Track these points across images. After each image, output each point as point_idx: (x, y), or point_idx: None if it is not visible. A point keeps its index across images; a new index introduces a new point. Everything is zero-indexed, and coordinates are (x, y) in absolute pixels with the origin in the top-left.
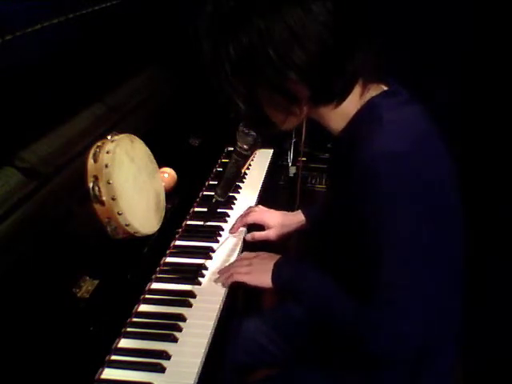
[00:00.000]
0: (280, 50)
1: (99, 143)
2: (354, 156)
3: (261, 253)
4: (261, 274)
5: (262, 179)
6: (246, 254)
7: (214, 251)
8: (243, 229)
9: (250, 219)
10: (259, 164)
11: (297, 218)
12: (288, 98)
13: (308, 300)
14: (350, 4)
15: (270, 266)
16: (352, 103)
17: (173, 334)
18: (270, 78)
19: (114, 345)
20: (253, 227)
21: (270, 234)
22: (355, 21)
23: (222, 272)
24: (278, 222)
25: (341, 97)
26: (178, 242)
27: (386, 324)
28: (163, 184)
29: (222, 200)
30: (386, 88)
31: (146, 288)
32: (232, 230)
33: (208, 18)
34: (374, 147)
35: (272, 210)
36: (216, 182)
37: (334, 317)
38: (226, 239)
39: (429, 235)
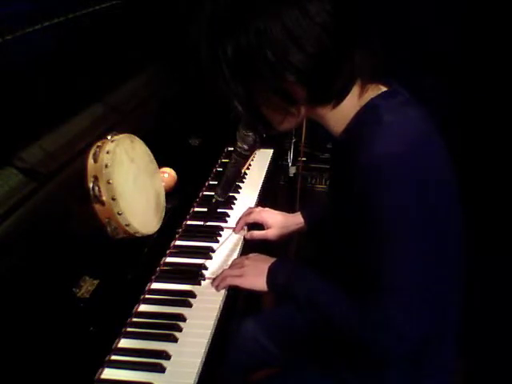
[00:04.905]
0: (277, 51)
1: (99, 143)
2: (355, 157)
3: (252, 254)
4: (254, 277)
5: (262, 179)
6: (237, 258)
7: (214, 251)
8: (244, 228)
9: (251, 218)
10: (259, 164)
11: (296, 219)
12: (286, 99)
13: (306, 305)
14: (348, 5)
15: (264, 268)
16: (351, 104)
17: (173, 334)
18: (267, 79)
19: (114, 345)
20: (253, 227)
21: (268, 233)
22: (353, 21)
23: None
24: (277, 222)
25: (339, 98)
26: (178, 242)
27: (388, 325)
28: (163, 184)
29: (222, 200)
30: (385, 88)
31: (146, 288)
32: (235, 231)
33: (206, 19)
34: (374, 148)
35: (272, 210)
36: (216, 182)
37: (334, 320)
38: (226, 239)
39: (429, 235)
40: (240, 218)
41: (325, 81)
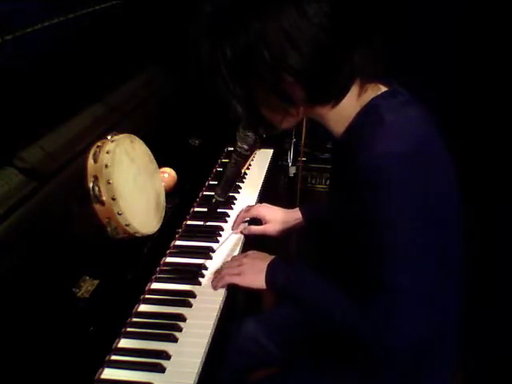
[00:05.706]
0: (275, 51)
1: (99, 143)
2: (356, 157)
3: (250, 252)
4: (253, 275)
5: (262, 179)
6: (235, 255)
7: (214, 251)
8: (244, 225)
9: (250, 214)
10: (259, 164)
11: (295, 214)
12: (284, 99)
13: (306, 304)
14: (347, 6)
15: (263, 266)
16: (350, 103)
17: (173, 334)
18: (266, 80)
19: (114, 345)
20: (252, 223)
21: (267, 228)
22: (351, 22)
23: (214, 276)
24: (276, 217)
25: (337, 97)
26: (178, 242)
27: (388, 325)
28: (163, 184)
29: (222, 200)
30: (385, 88)
31: (146, 288)
32: (233, 227)
33: (206, 20)
34: (375, 148)
35: (270, 206)
36: (216, 182)
37: (334, 319)
38: (226, 239)
39: (429, 235)
40: (238, 215)
41: (323, 81)
